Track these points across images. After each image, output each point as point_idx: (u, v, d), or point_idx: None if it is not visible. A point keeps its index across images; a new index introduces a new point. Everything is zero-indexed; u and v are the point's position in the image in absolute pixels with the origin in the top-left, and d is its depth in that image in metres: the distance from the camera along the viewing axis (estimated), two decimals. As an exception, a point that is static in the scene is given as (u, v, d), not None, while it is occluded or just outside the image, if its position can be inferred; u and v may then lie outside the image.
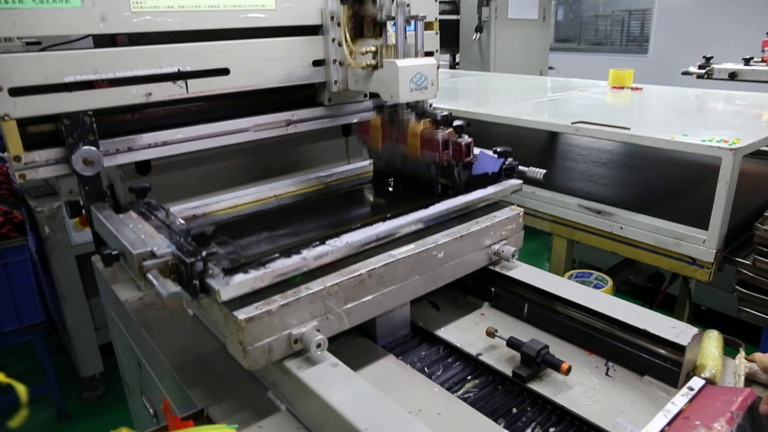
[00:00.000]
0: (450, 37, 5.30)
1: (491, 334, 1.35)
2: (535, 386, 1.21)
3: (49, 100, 1.32)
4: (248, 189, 1.74)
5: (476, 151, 1.74)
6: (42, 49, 1.40)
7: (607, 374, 1.24)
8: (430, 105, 2.21)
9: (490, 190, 1.57)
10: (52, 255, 2.84)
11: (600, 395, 1.17)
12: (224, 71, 1.57)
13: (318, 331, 1.13)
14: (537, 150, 3.09)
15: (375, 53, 1.56)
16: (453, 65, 5.70)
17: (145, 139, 1.51)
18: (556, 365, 1.19)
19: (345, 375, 1.06)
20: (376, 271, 1.24)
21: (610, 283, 2.07)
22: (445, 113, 1.55)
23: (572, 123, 1.93)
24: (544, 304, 1.41)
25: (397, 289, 1.31)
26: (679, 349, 1.14)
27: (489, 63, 4.96)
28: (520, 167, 1.64)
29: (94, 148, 1.38)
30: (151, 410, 1.77)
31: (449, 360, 1.38)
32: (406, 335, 1.49)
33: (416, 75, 1.47)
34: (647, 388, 1.19)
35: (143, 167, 1.69)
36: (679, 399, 0.99)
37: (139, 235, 1.18)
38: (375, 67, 1.56)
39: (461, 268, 1.45)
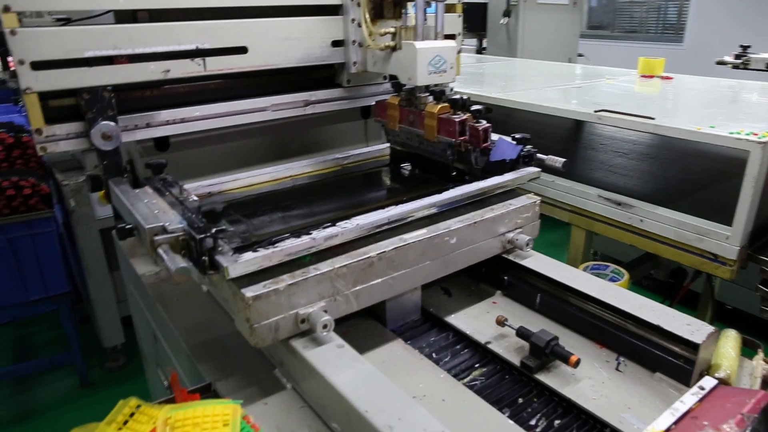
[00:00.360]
0: (477, 21, 5.20)
1: (501, 322, 1.34)
2: (543, 377, 1.19)
3: (70, 74, 1.33)
4: (265, 168, 1.74)
5: (495, 137, 1.72)
6: (63, 25, 1.42)
7: (617, 369, 1.22)
8: (451, 89, 2.19)
9: (507, 177, 1.54)
10: (77, 228, 2.91)
11: (608, 390, 1.15)
12: (242, 50, 1.56)
13: (325, 312, 1.14)
14: (561, 138, 3.03)
15: (394, 35, 1.54)
16: (479, 50, 5.60)
17: (163, 115, 1.52)
18: (564, 357, 1.17)
19: (350, 357, 1.07)
20: (386, 254, 1.24)
21: (626, 276, 2.03)
22: (464, 97, 1.52)
23: (595, 111, 1.88)
24: (556, 295, 1.39)
25: (407, 274, 1.30)
26: (693, 347, 1.11)
27: (516, 48, 4.86)
28: (539, 155, 1.61)
29: (112, 123, 1.40)
30: (165, 382, 1.80)
31: (458, 347, 1.37)
32: (417, 320, 1.48)
33: (435, 57, 1.45)
34: (658, 385, 1.16)
35: (162, 143, 1.71)
36: (689, 398, 0.97)
37: (152, 210, 1.20)
38: (394, 49, 1.53)
39: (474, 255, 1.44)
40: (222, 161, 1.83)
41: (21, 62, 1.28)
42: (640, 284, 3.95)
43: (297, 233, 1.17)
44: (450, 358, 1.33)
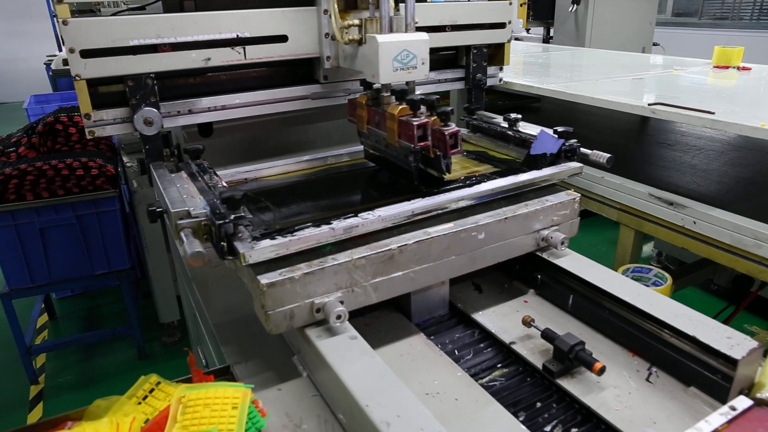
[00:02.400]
0: (545, 9, 5.00)
1: (527, 323, 1.29)
2: (565, 383, 1.14)
3: (115, 62, 1.40)
4: (303, 156, 1.76)
5: (536, 129, 1.65)
6: (115, 14, 1.48)
7: (647, 380, 1.14)
8: (500, 80, 2.11)
9: (545, 171, 1.47)
10: (139, 208, 3.07)
11: (634, 401, 1.08)
12: (282, 38, 1.58)
13: (341, 303, 1.13)
14: (624, 133, 2.87)
15: (360, 27, 1.43)
16: (546, 39, 5.39)
17: (204, 102, 1.56)
18: (588, 363, 1.11)
19: (360, 349, 1.06)
20: (407, 247, 1.22)
21: (669, 281, 1.89)
22: (434, 97, 1.35)
23: (649, 104, 1.75)
24: (590, 298, 1.32)
25: (431, 268, 1.27)
26: (732, 362, 1.02)
27: (585, 38, 4.62)
28: (583, 149, 1.53)
29: (154, 109, 1.46)
30: (203, 360, 1.88)
31: (481, 345, 1.33)
32: (443, 315, 1.46)
33: (402, 52, 1.32)
34: (691, 401, 1.08)
35: (205, 129, 1.76)
36: (716, 418, 0.89)
37: (182, 194, 1.24)
38: (360, 43, 1.41)
39: (504, 251, 1.39)
40: (264, 148, 1.87)
41: (71, 51, 1.35)
42: (707, 289, 3.71)
43: (317, 222, 1.17)
44: (472, 356, 1.30)
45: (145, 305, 3.70)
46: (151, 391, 1.10)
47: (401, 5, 1.38)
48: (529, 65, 3.19)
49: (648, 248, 4.19)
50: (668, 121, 2.61)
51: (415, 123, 1.31)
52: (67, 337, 3.56)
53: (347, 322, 1.12)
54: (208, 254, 1.12)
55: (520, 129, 1.72)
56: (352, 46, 1.46)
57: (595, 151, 1.52)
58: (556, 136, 1.53)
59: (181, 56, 1.46)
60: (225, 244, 1.09)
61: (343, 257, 1.15)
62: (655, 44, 5.26)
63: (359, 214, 1.22)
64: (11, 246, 2.80)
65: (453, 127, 1.32)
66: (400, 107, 1.35)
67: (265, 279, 1.07)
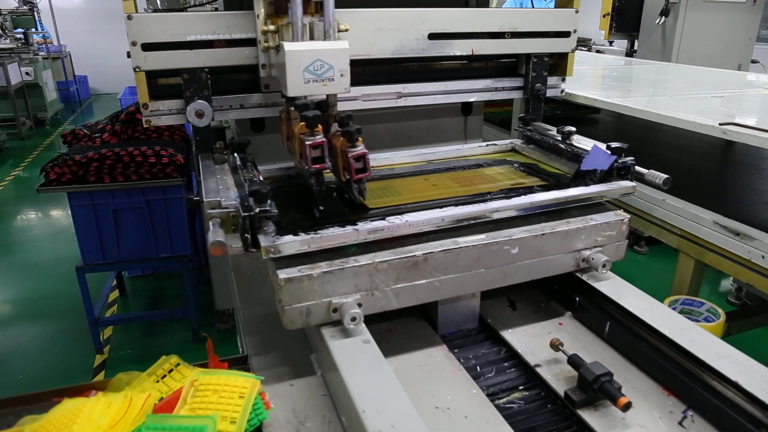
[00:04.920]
0: (629, 21, 4.75)
1: (555, 346, 1.22)
2: (586, 415, 1.07)
3: (172, 56, 1.46)
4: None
5: (589, 144, 1.57)
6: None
7: (680, 423, 1.05)
8: (562, 91, 2.02)
9: (593, 188, 1.39)
10: (203, 197, 3.21)
11: (661, 444, 0.99)
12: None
13: (359, 305, 1.12)
14: (699, 154, 2.67)
15: (276, 32, 1.34)
16: (629, 52, 5.12)
17: (255, 98, 1.61)
18: (613, 397, 1.03)
19: (370, 354, 1.04)
20: (433, 255, 1.19)
21: (722, 319, 1.71)
22: (348, 114, 1.22)
23: (720, 124, 1.61)
24: (628, 326, 1.23)
25: (457, 279, 1.23)
26: (778, 415, 0.92)
27: (672, 52, 4.34)
28: (638, 168, 1.43)
29: (205, 102, 1.51)
30: (240, 349, 1.93)
31: (506, 364, 1.28)
32: (472, 329, 1.41)
33: (314, 63, 1.20)
34: (727, 452, 0.98)
35: (257, 124, 1.81)
36: (745, 474, 0.80)
37: (218, 185, 1.27)
38: (278, 50, 1.31)
39: (539, 269, 1.32)
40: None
41: (134, 44, 1.43)
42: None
43: (342, 223, 1.17)
44: (494, 374, 1.24)
45: (205, 291, 3.85)
46: (170, 371, 1.15)
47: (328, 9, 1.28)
48: (601, 78, 3.05)
49: (727, 282, 3.86)
50: (750, 144, 2.39)
51: (308, 142, 1.17)
52: (130, 313, 3.78)
53: (363, 325, 1.11)
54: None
55: (574, 143, 1.64)
56: (272, 53, 1.36)
57: (651, 170, 1.42)
58: (609, 152, 1.44)
59: (235, 52, 1.51)
60: (249, 236, 1.11)
61: (364, 259, 1.14)
62: (753, 61, 4.86)
63: (386, 218, 1.20)
64: (88, 224, 3.01)
65: (360, 148, 1.19)
66: (302, 123, 1.21)
67: (283, 274, 1.08)
